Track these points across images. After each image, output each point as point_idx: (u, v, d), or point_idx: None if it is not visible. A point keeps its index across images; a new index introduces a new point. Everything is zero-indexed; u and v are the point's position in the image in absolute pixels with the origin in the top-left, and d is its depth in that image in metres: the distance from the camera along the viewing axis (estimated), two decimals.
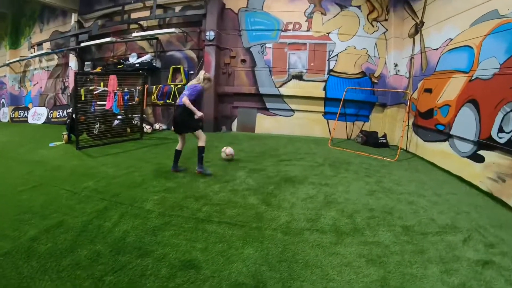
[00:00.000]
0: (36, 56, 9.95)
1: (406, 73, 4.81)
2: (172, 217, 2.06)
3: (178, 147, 3.17)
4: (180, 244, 1.73)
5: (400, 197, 2.52)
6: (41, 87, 10.46)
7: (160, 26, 6.99)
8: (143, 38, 7.11)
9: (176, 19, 6.81)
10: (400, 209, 2.28)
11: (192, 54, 6.68)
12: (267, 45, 5.89)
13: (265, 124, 5.93)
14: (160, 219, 2.04)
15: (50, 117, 9.63)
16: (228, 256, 1.62)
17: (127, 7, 7.32)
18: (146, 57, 7.13)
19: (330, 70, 5.51)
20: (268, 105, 5.87)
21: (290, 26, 5.74)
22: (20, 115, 10.73)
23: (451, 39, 3.61)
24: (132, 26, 7.37)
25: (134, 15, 7.38)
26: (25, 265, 1.52)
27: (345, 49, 5.43)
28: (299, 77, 5.68)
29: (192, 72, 6.66)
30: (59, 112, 9.53)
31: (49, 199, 2.36)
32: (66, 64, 9.05)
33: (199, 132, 3.10)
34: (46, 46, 9.71)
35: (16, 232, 1.83)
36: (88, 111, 5.45)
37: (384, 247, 1.73)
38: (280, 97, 5.72)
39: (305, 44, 5.62)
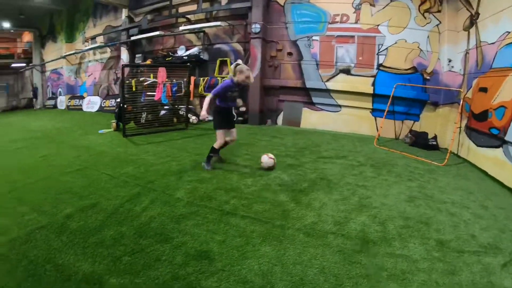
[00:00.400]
0: (90, 49, 11.08)
1: (460, 69, 4.74)
2: (199, 207, 2.16)
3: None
4: (200, 234, 1.79)
5: (441, 207, 2.38)
6: (95, 78, 11.72)
7: (207, 20, 7.43)
8: (190, 31, 7.64)
9: (223, 12, 7.18)
10: (438, 220, 2.14)
11: (239, 47, 7.08)
12: (314, 37, 6.07)
13: (311, 119, 6.26)
14: (187, 208, 2.15)
15: (103, 105, 10.84)
16: (244, 251, 1.63)
17: (174, 1, 7.82)
18: (193, 50, 7.69)
19: (379, 65, 5.57)
20: (314, 99, 6.16)
21: (338, 18, 5.82)
22: (75, 103, 12.20)
23: (509, 32, 3.41)
24: (180, 20, 7.89)
25: (182, 9, 7.88)
26: (56, 239, 1.73)
27: (395, 43, 5.42)
28: (346, 71, 5.83)
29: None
30: (111, 101, 10.70)
31: (89, 182, 2.71)
32: (118, 57, 10.01)
33: (218, 132, 3.13)
34: (100, 39, 10.74)
35: (54, 209, 2.12)
36: (136, 101, 6.15)
37: (412, 262, 1.60)
38: (327, 91, 5.95)
39: (353, 37, 5.71)
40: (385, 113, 5.01)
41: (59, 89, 13.93)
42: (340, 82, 5.84)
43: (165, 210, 2.13)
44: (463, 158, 4.26)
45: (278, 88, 6.53)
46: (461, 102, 4.29)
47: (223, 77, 7.19)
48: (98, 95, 11.46)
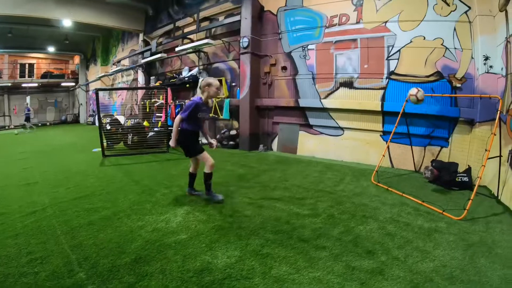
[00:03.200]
0: (114, 72, 13.12)
1: (502, 68, 3.68)
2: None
3: (191, 169, 3.36)
4: None
5: None
6: (122, 99, 13.76)
7: (207, 38, 7.91)
8: (190, 52, 8.24)
9: (220, 29, 7.55)
10: None
11: (235, 65, 7.25)
12: (309, 46, 5.75)
13: (308, 144, 5.81)
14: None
15: (125, 125, 12.60)
16: None
17: (179, 23, 8.67)
18: (194, 71, 8.25)
19: (391, 73, 4.82)
20: (311, 121, 5.71)
21: (336, 20, 5.38)
22: (106, 121, 14.48)
23: None
24: (186, 41, 8.62)
25: (187, 30, 8.63)
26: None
27: (410, 42, 4.61)
28: (348, 84, 5.24)
29: (234, 83, 7.24)
30: (132, 120, 12.28)
31: (21, 193, 3.81)
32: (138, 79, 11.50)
33: (203, 155, 3.13)
34: (125, 62, 12.59)
35: None
36: (119, 124, 7.49)
37: None
38: (325, 111, 5.45)
39: (355, 40, 5.14)
40: (391, 135, 4.21)
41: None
42: (340, 99, 5.30)
43: None
44: (504, 205, 3.15)
45: (273, 108, 6.33)
46: (497, 116, 3.25)
47: (218, 98, 7.39)
48: (123, 115, 13.37)
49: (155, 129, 7.30)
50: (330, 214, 2.95)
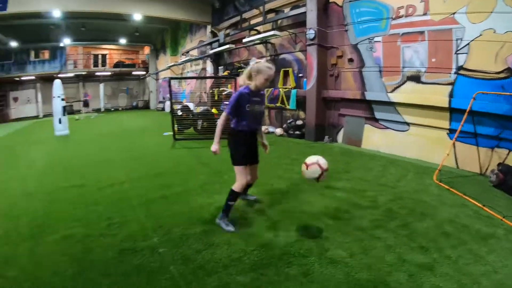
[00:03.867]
0: (184, 62, 15.35)
1: None
2: None
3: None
4: None
5: None
6: (191, 87, 16.02)
7: (273, 30, 9.08)
8: (257, 42, 9.54)
9: (286, 20, 8.64)
10: None
11: (301, 56, 8.35)
12: (376, 38, 6.52)
13: (373, 138, 6.70)
14: None
15: (194, 111, 14.90)
16: None
17: (246, 15, 10.00)
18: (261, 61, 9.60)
19: (460, 68, 5.37)
20: (377, 114, 6.59)
21: (402, 12, 6.01)
22: (176, 107, 17.29)
23: None
24: (253, 32, 9.94)
25: (253, 22, 9.94)
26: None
27: (480, 35, 5.08)
28: (416, 78, 5.92)
29: (301, 75, 8.38)
30: (201, 107, 14.46)
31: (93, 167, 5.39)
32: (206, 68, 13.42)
33: (238, 169, 2.92)
34: (194, 53, 14.64)
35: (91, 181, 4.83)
36: (190, 110, 9.54)
37: None
38: (391, 105, 6.28)
39: (422, 33, 5.76)
40: (456, 134, 4.90)
41: (167, 95, 19.92)
42: (407, 93, 6.03)
43: None
44: None
45: (338, 100, 7.35)
46: None
47: (285, 88, 8.65)
48: (193, 102, 15.76)
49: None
50: (389, 208, 3.43)
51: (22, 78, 22.57)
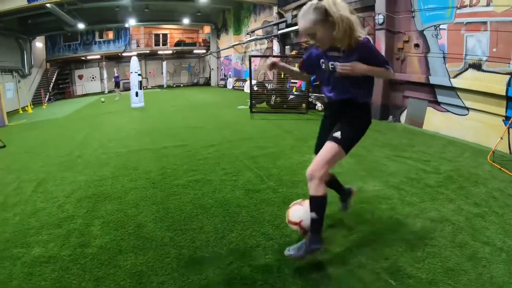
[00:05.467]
0: (250, 41, 17.83)
1: None
2: None
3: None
4: None
5: None
6: (255, 65, 18.40)
7: None
8: None
9: (354, 4, 10.27)
10: None
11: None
12: (441, 26, 7.98)
13: (434, 120, 8.23)
14: None
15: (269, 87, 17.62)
16: None
17: None
18: None
19: None
20: (439, 98, 8.09)
21: (467, 1, 7.39)
22: (239, 85, 20.86)
23: None
24: None
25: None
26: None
27: None
28: (477, 66, 7.24)
29: None
30: (270, 84, 16.93)
31: (190, 133, 8.13)
32: (272, 47, 15.61)
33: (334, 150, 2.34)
34: (258, 32, 16.93)
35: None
36: (267, 86, 12.26)
37: None
38: (453, 90, 7.75)
39: (485, 23, 7.12)
40: (510, 120, 6.28)
41: (229, 72, 23.55)
42: (468, 80, 7.43)
43: None
44: None
45: (404, 83, 8.99)
46: None
47: None
48: (256, 80, 18.35)
49: (295, 92, 11.27)
50: (449, 175, 4.61)
51: (88, 57, 28.23)
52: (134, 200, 4.00)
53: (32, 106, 19.86)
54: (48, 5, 15.07)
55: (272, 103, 11.33)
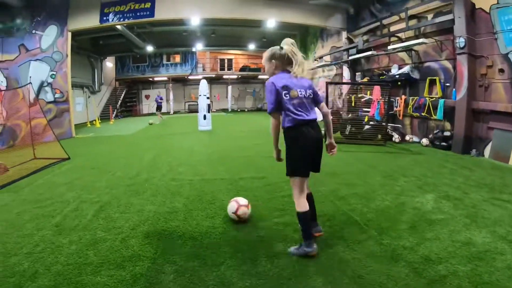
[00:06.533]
0: (318, 67, 18.56)
1: None
2: None
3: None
4: None
5: None
6: (323, 92, 19.14)
7: (416, 37, 11.25)
8: (400, 50, 11.81)
9: (429, 27, 10.72)
10: None
11: (448, 65, 10.26)
12: None
13: None
14: None
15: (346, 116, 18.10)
16: None
17: (385, 21, 12.41)
18: (405, 69, 11.80)
19: None
20: None
21: None
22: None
23: None
24: (393, 39, 12.29)
25: (393, 28, 12.30)
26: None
27: None
28: None
29: (448, 84, 10.28)
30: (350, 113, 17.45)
31: (247, 163, 8.26)
32: (342, 74, 16.27)
33: (293, 181, 3.41)
34: (326, 58, 17.77)
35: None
36: (342, 115, 12.27)
37: None
38: None
39: None
40: None
41: None
42: None
43: None
44: None
45: (488, 112, 9.02)
46: None
47: (432, 98, 10.68)
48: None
49: (370, 122, 11.57)
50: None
51: (155, 79, 32.08)
52: (213, 244, 3.76)
53: (100, 121, 22.69)
54: (118, 27, 17.28)
55: (347, 133, 11.70)
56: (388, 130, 11.51)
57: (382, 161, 8.26)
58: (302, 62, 3.29)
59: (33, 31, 14.09)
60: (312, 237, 3.45)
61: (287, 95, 3.18)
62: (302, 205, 3.29)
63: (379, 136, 11.30)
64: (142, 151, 10.44)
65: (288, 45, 3.30)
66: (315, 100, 3.39)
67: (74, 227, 4.31)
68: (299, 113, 3.21)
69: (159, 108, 21.74)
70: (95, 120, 21.91)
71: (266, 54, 3.42)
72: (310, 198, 3.58)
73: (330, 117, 3.55)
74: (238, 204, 4.30)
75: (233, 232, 4.09)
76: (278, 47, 3.36)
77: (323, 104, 3.48)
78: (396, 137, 11.46)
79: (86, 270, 3.20)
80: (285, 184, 5.92)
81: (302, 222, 3.36)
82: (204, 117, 14.98)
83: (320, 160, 3.50)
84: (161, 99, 21.70)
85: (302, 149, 3.28)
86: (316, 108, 3.45)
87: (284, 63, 3.33)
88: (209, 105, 15.26)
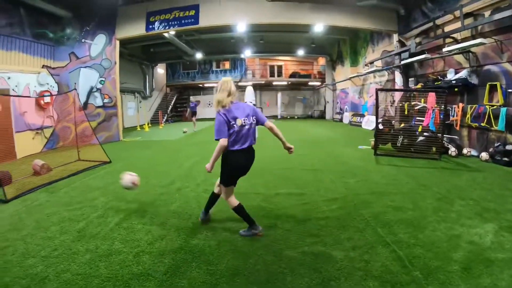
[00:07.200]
0: (368, 73, 17.90)
1: None
2: None
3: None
4: None
5: None
6: (375, 99, 18.41)
7: (473, 37, 10.30)
8: (456, 52, 10.88)
9: (488, 26, 9.73)
10: None
11: (510, 68, 9.24)
12: None
13: None
14: None
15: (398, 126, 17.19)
16: None
17: (438, 21, 11.54)
18: (462, 73, 10.85)
19: None
20: None
21: None
22: (357, 120, 20.85)
23: None
24: (448, 40, 11.38)
25: (447, 28, 11.39)
26: None
27: None
28: None
29: (510, 90, 9.26)
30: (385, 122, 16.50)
31: (307, 179, 7.38)
32: (394, 80, 15.43)
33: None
34: (378, 63, 17.00)
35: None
36: (394, 124, 11.38)
37: None
38: None
39: None
40: None
41: (346, 106, 24.21)
42: None
43: None
44: None
45: None
46: None
47: (492, 106, 9.69)
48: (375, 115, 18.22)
49: (425, 133, 10.68)
50: None
51: (205, 85, 33.19)
52: (229, 270, 3.47)
53: (150, 125, 23.86)
54: (166, 35, 17.77)
55: (399, 145, 10.83)
56: (444, 142, 10.48)
57: (436, 179, 7.23)
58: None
59: (83, 40, 15.01)
60: (254, 222, 4.29)
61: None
62: (233, 202, 4.24)
63: (434, 149, 10.30)
64: (182, 157, 10.48)
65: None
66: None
67: (95, 235, 4.37)
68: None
69: (193, 114, 21.24)
70: (144, 125, 22.93)
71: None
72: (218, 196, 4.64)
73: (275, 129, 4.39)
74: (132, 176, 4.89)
75: (254, 257, 3.74)
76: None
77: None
78: (452, 150, 10.40)
79: (92, 283, 3.19)
80: (324, 204, 5.54)
81: (240, 215, 4.26)
82: None
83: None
84: (195, 104, 21.41)
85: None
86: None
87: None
88: None
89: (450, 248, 3.86)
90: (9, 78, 11.65)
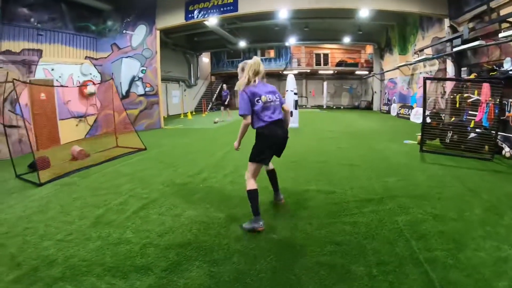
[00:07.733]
0: (417, 61, 16.95)
1: None
2: None
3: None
4: None
5: None
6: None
7: None
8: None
9: None
10: None
11: None
12: None
13: None
14: None
15: (449, 120, 16.23)
16: None
17: (493, 4, 10.56)
18: None
19: None
20: None
21: None
22: (404, 112, 19.92)
23: None
24: (504, 25, 10.46)
25: (503, 11, 10.43)
26: None
27: None
28: None
29: None
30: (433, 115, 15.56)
31: (334, 172, 7.21)
32: (445, 69, 14.48)
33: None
34: (428, 51, 16.01)
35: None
36: (444, 118, 10.57)
37: None
38: None
39: None
40: None
41: (394, 97, 23.13)
42: None
43: None
44: None
45: None
46: None
47: None
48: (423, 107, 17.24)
49: (477, 130, 9.69)
50: None
51: None
52: (231, 274, 3.21)
53: (194, 113, 24.93)
54: (207, 23, 17.69)
55: (448, 141, 9.91)
56: (497, 140, 9.45)
57: (486, 183, 6.10)
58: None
59: (124, 31, 15.64)
60: (259, 214, 4.11)
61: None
62: (251, 185, 4.11)
63: (486, 148, 9.30)
64: (217, 146, 10.44)
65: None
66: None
67: (110, 222, 4.45)
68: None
69: (224, 103, 20.16)
70: (188, 113, 23.65)
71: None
72: (273, 172, 4.95)
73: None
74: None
75: (260, 264, 3.38)
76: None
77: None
78: (506, 151, 9.36)
79: (94, 271, 3.22)
80: (355, 205, 4.97)
81: (251, 200, 4.09)
82: (291, 114, 14.63)
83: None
84: (227, 93, 19.94)
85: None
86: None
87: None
88: (296, 101, 14.75)
89: (494, 275, 3.08)
90: (52, 69, 12.43)
